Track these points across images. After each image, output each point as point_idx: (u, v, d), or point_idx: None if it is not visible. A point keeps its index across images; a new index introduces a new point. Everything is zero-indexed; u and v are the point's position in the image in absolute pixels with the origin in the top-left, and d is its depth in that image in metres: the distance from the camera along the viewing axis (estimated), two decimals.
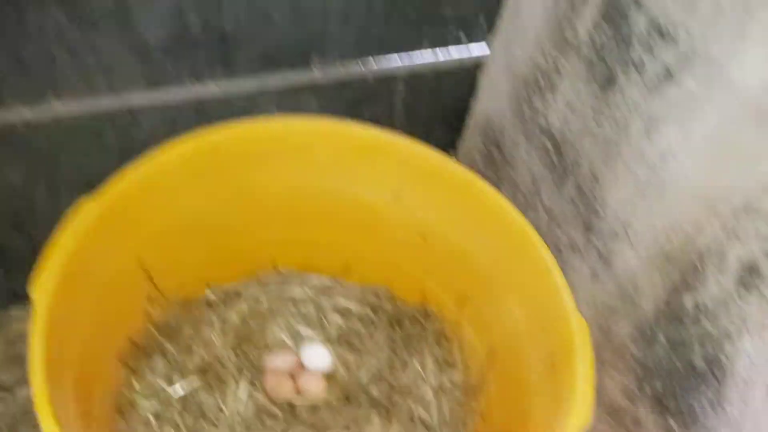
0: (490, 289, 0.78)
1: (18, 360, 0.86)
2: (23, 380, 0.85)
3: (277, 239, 0.88)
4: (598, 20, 0.65)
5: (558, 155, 0.72)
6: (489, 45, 0.87)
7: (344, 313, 0.90)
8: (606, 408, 0.72)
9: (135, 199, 0.72)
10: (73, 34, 0.71)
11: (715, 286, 0.56)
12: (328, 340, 0.87)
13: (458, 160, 0.94)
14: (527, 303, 0.73)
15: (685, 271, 0.59)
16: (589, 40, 0.66)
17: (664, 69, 0.57)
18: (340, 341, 0.88)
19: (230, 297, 0.89)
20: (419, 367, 0.84)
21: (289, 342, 0.88)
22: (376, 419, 0.80)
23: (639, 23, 0.59)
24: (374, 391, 0.83)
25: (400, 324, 0.89)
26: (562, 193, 0.72)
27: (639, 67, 0.59)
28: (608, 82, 0.64)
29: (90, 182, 0.69)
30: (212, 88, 0.82)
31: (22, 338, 0.86)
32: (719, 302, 0.56)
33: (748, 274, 0.53)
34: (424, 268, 0.88)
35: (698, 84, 0.54)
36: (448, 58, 0.88)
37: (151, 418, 0.77)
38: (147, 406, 0.78)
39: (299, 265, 0.92)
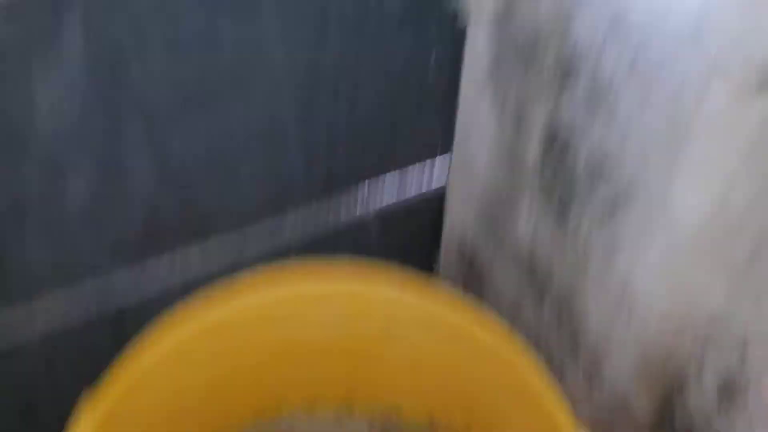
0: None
1: None
2: None
3: (275, 393, 0.89)
4: (543, 151, 0.69)
5: (530, 273, 0.74)
6: (449, 170, 0.91)
7: None
8: None
9: (135, 392, 0.73)
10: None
11: (699, 400, 0.58)
12: None
13: (440, 282, 0.96)
14: None
15: (670, 387, 0.61)
16: (540, 168, 0.70)
17: (609, 201, 0.61)
18: None
19: None
20: None
21: None
22: None
23: (579, 159, 0.63)
24: None
25: None
26: (543, 310, 0.75)
27: (585, 199, 0.63)
28: (562, 212, 0.67)
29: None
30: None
31: None
32: (703, 417, 0.58)
33: (725, 391, 0.55)
34: (423, 402, 0.89)
35: (640, 218, 0.57)
36: (413, 193, 0.91)
37: None
38: None
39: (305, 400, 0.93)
